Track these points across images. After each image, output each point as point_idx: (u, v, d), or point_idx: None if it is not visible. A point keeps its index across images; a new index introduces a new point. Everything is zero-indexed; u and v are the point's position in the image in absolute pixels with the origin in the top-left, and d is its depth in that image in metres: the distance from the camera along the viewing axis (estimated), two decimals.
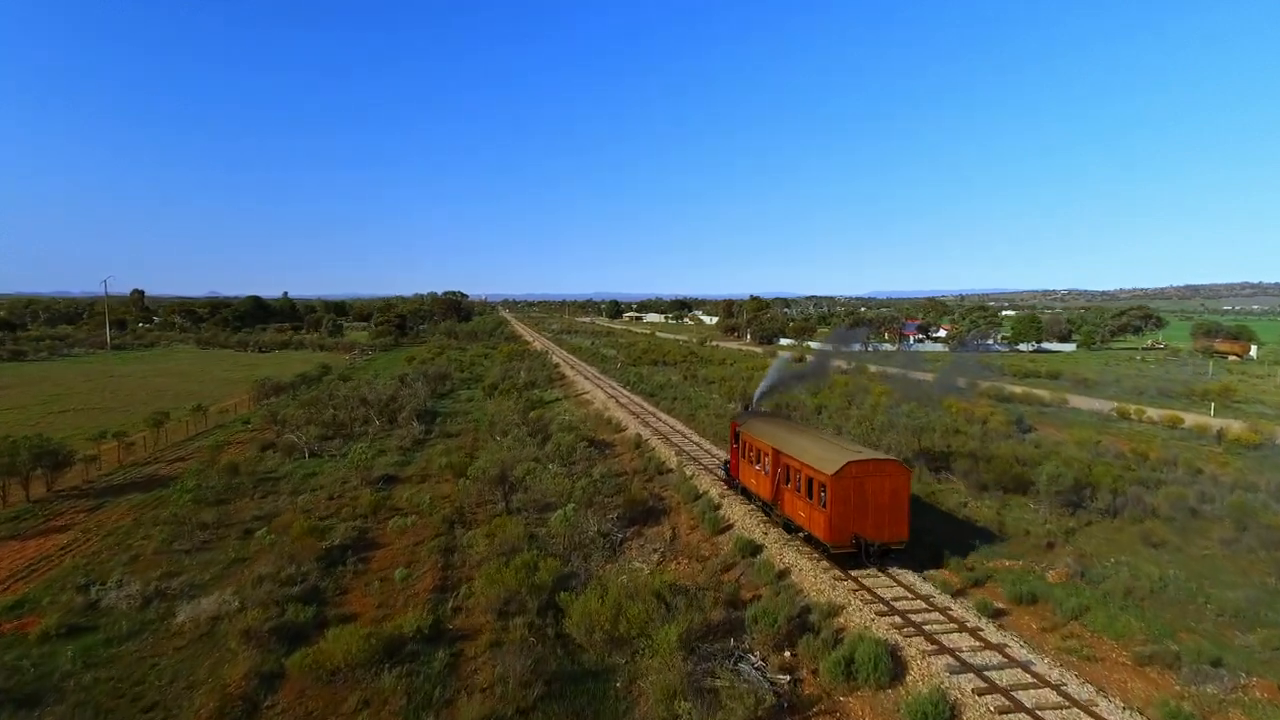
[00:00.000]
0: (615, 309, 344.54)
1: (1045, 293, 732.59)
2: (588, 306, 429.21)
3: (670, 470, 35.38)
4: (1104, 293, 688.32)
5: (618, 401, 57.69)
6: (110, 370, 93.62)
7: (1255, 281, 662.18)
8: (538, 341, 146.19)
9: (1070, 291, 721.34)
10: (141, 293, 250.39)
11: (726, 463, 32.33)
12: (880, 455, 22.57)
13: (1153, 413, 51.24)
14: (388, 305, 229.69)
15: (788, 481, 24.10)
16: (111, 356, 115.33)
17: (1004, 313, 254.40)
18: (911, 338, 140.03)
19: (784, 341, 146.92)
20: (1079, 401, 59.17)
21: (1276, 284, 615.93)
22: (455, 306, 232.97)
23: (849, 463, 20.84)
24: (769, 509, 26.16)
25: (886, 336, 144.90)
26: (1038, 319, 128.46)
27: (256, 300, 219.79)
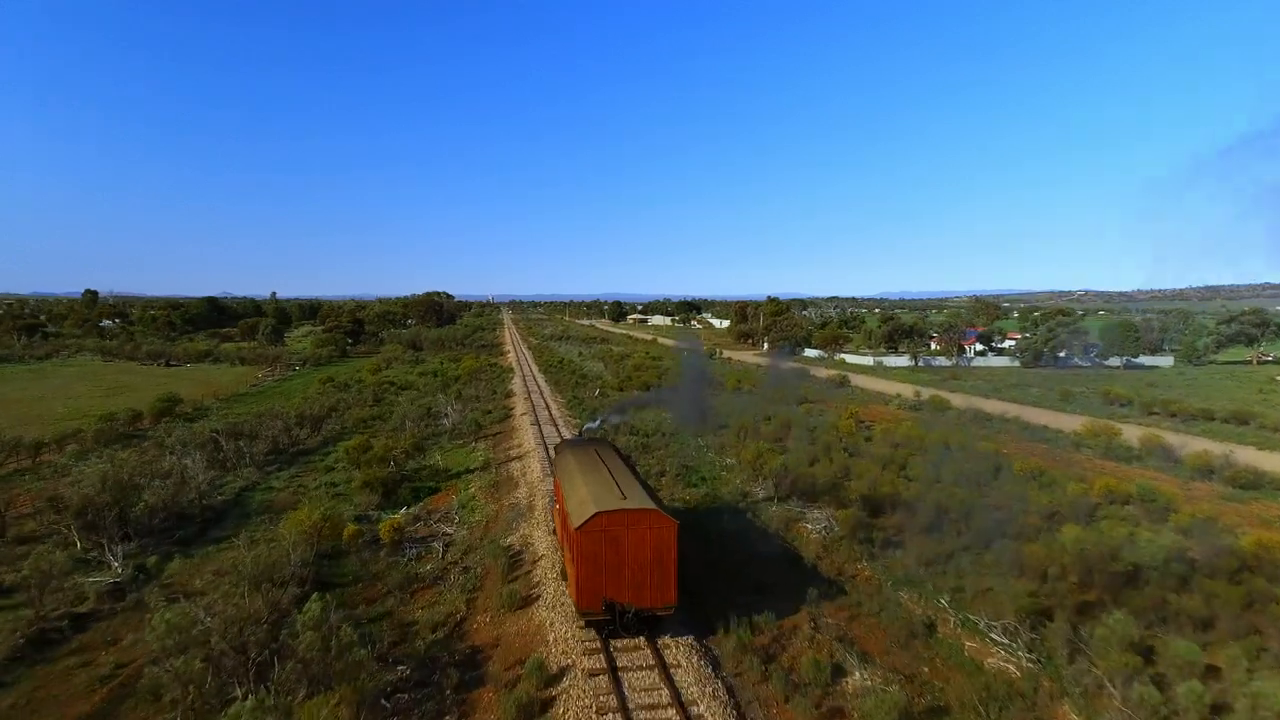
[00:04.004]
0: (618, 311, 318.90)
1: (1061, 293, 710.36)
2: (593, 307, 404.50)
3: None
4: (1122, 293, 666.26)
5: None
6: None
7: (1276, 283, 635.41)
8: (514, 352, 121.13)
9: (1087, 292, 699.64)
10: (94, 293, 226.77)
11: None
12: (640, 504, 18.42)
13: None
14: (358, 307, 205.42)
15: (565, 530, 20.17)
16: None
17: (1025, 314, 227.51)
18: (970, 349, 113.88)
19: (810, 353, 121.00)
20: None
21: None
22: (436, 308, 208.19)
23: (597, 514, 17.65)
24: None
25: (936, 347, 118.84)
26: (1133, 326, 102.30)
27: (212, 301, 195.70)
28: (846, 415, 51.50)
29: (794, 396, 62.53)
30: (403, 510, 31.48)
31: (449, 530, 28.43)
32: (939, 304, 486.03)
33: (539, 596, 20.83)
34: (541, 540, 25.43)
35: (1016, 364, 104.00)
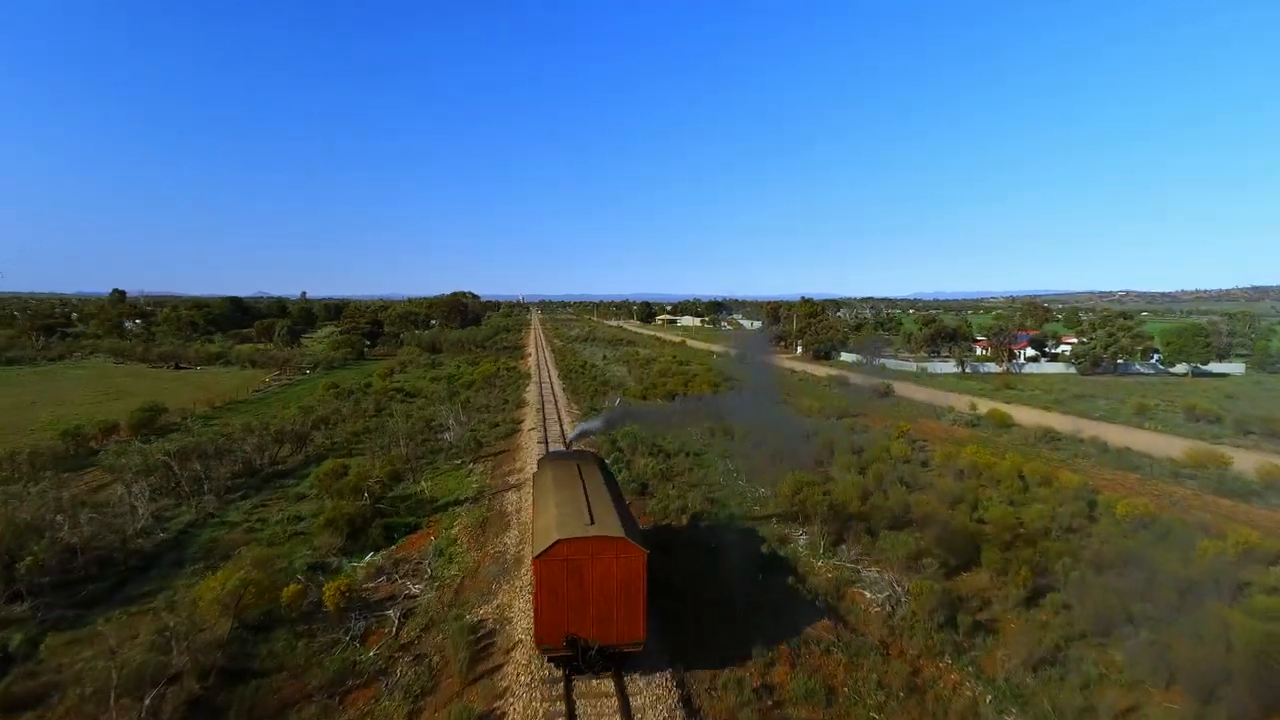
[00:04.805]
0: (647, 311, 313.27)
1: (1101, 294, 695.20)
2: (622, 308, 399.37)
3: None
4: (1164, 294, 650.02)
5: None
6: None
7: None
8: (535, 355, 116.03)
9: (1127, 293, 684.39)
10: (122, 292, 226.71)
11: None
12: (607, 531, 16.82)
13: None
14: (381, 307, 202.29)
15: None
16: None
17: (1061, 316, 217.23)
18: (1021, 354, 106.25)
19: (847, 357, 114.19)
20: None
21: None
22: (461, 309, 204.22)
23: (559, 541, 16.34)
24: None
25: (982, 352, 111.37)
26: (1204, 330, 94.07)
27: (235, 301, 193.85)
28: (897, 434, 45.23)
29: (834, 409, 56.31)
30: (368, 557, 26.07)
31: (415, 589, 22.90)
32: (974, 304, 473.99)
33: (503, 718, 15.14)
34: (522, 615, 19.75)
35: (1073, 370, 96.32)
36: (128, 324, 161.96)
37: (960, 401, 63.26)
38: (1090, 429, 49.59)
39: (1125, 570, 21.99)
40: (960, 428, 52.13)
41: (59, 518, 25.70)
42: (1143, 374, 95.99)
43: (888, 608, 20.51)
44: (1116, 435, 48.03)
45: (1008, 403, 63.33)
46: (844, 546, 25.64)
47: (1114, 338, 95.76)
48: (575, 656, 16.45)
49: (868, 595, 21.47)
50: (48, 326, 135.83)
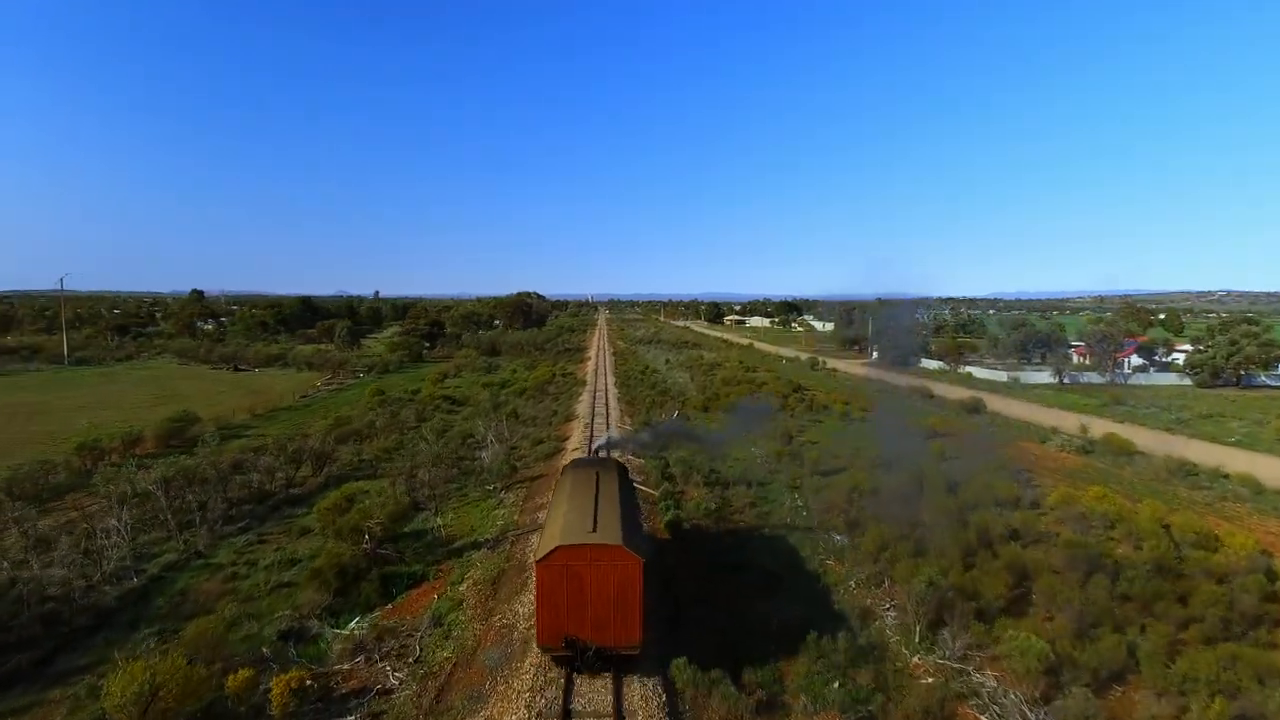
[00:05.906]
0: (715, 312, 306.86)
1: (1200, 294, 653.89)
2: (690, 307, 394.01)
3: None
4: (1269, 294, 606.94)
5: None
6: None
7: None
8: (596, 359, 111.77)
9: (1228, 293, 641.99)
10: (200, 292, 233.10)
11: None
12: (606, 539, 17.40)
13: None
14: (445, 308, 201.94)
15: None
16: (31, 375, 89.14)
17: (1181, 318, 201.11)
18: (1126, 362, 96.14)
19: (929, 364, 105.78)
20: None
21: None
22: (525, 309, 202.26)
23: (558, 548, 17.10)
24: None
25: (1080, 359, 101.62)
26: None
27: (305, 301, 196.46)
28: (998, 465, 38.57)
29: (920, 429, 49.69)
30: (351, 625, 21.52)
31: (395, 678, 18.17)
32: (1059, 305, 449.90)
33: None
34: None
35: (1188, 383, 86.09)
36: (202, 324, 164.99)
37: (1065, 420, 55.63)
38: (1231, 460, 41.78)
39: None
40: (1070, 455, 44.90)
41: (4, 563, 22.05)
42: (1271, 387, 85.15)
43: None
44: (1266, 468, 40.16)
45: (1119, 421, 55.44)
46: (946, 632, 19.78)
47: (1237, 345, 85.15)
48: (574, 657, 17.07)
49: None
50: (121, 326, 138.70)
